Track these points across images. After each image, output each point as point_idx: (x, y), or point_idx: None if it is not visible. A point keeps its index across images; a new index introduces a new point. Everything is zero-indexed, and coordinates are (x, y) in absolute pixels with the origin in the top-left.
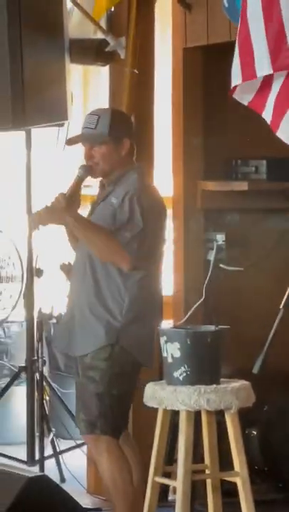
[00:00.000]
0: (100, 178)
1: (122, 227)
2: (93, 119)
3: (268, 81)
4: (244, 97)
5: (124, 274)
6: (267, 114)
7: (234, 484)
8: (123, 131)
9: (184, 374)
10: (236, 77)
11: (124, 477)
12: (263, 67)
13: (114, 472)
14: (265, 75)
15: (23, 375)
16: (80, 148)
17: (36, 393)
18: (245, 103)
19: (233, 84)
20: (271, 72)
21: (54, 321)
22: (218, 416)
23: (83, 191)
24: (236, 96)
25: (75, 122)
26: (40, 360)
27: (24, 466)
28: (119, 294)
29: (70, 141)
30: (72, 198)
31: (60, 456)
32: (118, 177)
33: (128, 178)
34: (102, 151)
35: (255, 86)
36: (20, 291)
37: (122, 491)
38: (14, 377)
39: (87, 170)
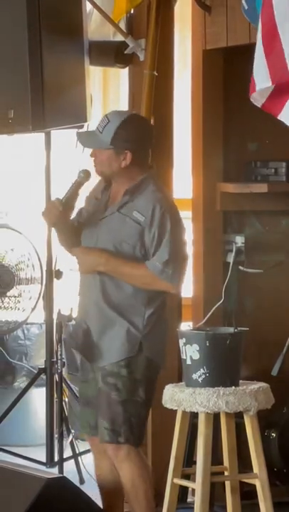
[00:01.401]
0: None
1: (154, 254)
2: (104, 123)
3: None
4: (258, 99)
5: None
6: (285, 116)
7: (253, 486)
8: (128, 142)
9: (203, 376)
10: (264, 80)
11: (146, 484)
12: None
13: (135, 480)
14: None
15: (43, 377)
16: None
17: (55, 395)
18: (259, 105)
19: (260, 87)
20: None
21: (73, 322)
22: (237, 418)
23: None
24: (252, 98)
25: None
26: (59, 361)
27: (43, 468)
28: (139, 302)
29: (83, 141)
30: (69, 203)
31: (79, 458)
32: (134, 187)
33: (146, 188)
34: (102, 158)
35: (270, 89)
36: (40, 293)
37: (144, 498)
38: (33, 379)
39: (88, 174)
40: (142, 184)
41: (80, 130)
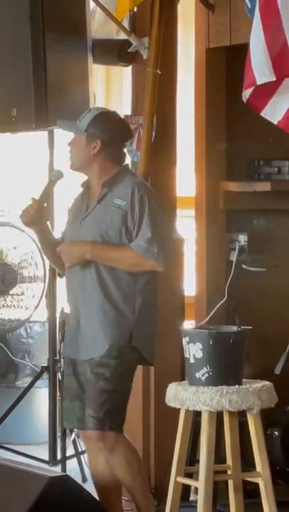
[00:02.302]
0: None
1: (137, 235)
2: (85, 113)
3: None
4: (246, 95)
5: (134, 274)
6: (268, 113)
7: (256, 485)
8: (100, 132)
9: (206, 375)
10: (266, 74)
11: (140, 464)
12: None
13: (130, 460)
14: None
15: (45, 375)
16: None
17: (58, 393)
18: (245, 100)
19: (262, 81)
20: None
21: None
22: (241, 416)
23: None
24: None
25: None
26: (62, 360)
27: (46, 466)
28: (130, 294)
29: (61, 123)
30: (43, 201)
31: (81, 456)
32: (111, 179)
33: (123, 178)
34: (75, 144)
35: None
36: (43, 291)
37: (139, 474)
38: (36, 377)
39: (60, 174)
40: (118, 176)
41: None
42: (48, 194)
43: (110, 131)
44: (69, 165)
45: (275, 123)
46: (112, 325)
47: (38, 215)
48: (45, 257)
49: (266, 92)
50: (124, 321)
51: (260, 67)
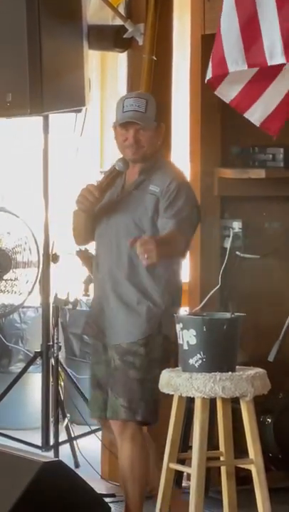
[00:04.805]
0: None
1: (175, 217)
2: (142, 103)
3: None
4: (225, 94)
5: (164, 262)
6: (251, 115)
7: (249, 471)
8: (161, 117)
9: (200, 361)
10: (239, 61)
11: (142, 466)
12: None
13: (134, 460)
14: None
15: (39, 361)
16: (96, 134)
17: (51, 378)
18: (227, 100)
19: (234, 68)
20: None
21: (70, 306)
22: (234, 403)
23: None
24: (218, 92)
25: (93, 108)
26: (55, 345)
27: (39, 452)
28: (158, 279)
29: (118, 124)
30: (104, 190)
31: (74, 442)
32: (150, 166)
33: (161, 166)
34: (149, 135)
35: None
36: (37, 277)
37: (138, 479)
38: (29, 363)
39: (126, 163)
40: (157, 163)
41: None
42: (109, 184)
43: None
44: (134, 158)
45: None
46: (142, 313)
47: (96, 204)
48: (39, 243)
49: (252, 92)
50: (154, 309)
51: (232, 55)
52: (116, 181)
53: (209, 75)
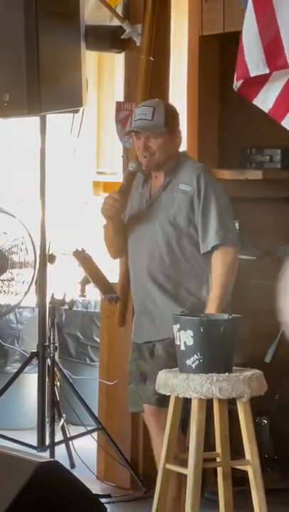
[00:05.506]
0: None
1: (211, 227)
2: (148, 111)
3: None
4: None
5: (204, 262)
6: (260, 101)
7: (245, 472)
8: (176, 122)
9: (197, 362)
10: (259, 66)
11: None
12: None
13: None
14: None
15: (35, 361)
16: (92, 135)
17: (47, 379)
18: (235, 89)
19: (255, 73)
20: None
21: (66, 307)
22: (230, 404)
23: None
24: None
25: (90, 109)
26: (51, 346)
27: (34, 452)
28: (201, 273)
29: (128, 133)
30: (127, 195)
31: (70, 442)
32: (174, 166)
33: (184, 164)
34: (159, 142)
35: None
36: (33, 277)
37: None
38: (25, 363)
39: (139, 164)
40: (179, 162)
41: (128, 129)
42: (129, 187)
43: (177, 119)
44: (148, 166)
45: (266, 111)
46: (189, 308)
47: (122, 209)
48: (35, 243)
49: (258, 80)
50: (200, 304)
51: (253, 59)
52: (136, 183)
53: (236, 84)
